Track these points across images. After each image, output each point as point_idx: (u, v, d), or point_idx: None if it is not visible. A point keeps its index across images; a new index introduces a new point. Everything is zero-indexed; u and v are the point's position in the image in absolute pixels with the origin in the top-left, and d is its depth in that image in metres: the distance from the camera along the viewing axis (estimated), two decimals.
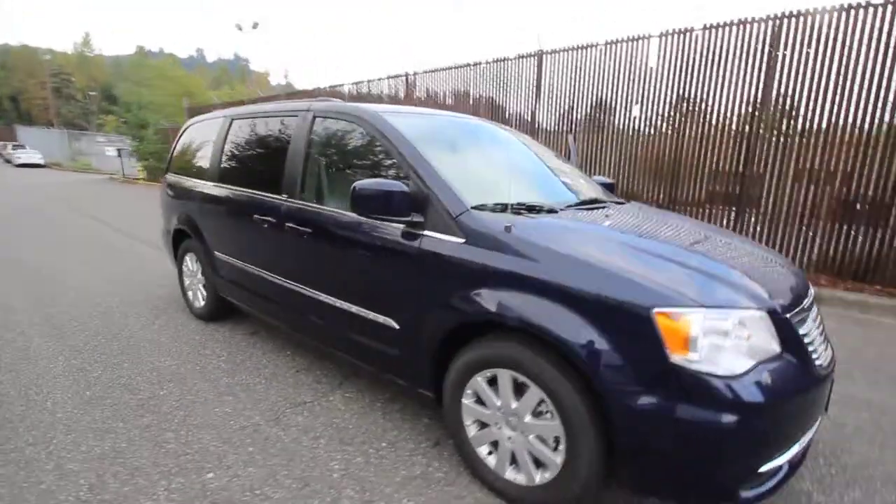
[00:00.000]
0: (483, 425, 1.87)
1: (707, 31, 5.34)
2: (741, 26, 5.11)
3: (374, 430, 2.27)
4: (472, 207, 1.86)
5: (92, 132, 39.38)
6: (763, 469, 1.44)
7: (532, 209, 2.01)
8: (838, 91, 4.65)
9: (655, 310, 1.41)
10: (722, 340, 1.42)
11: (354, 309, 2.21)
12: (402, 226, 1.97)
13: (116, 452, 2.06)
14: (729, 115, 5.37)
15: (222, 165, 3.16)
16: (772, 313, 1.51)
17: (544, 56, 6.73)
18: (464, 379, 1.84)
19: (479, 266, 1.73)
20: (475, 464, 1.89)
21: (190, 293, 3.77)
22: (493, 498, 1.82)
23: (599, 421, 1.52)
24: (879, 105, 4.46)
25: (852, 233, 4.80)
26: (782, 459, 1.49)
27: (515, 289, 1.65)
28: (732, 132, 5.38)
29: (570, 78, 6.52)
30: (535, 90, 6.94)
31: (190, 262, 3.67)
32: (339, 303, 2.29)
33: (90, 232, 7.52)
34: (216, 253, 3.22)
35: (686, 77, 5.57)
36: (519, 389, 1.73)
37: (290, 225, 2.47)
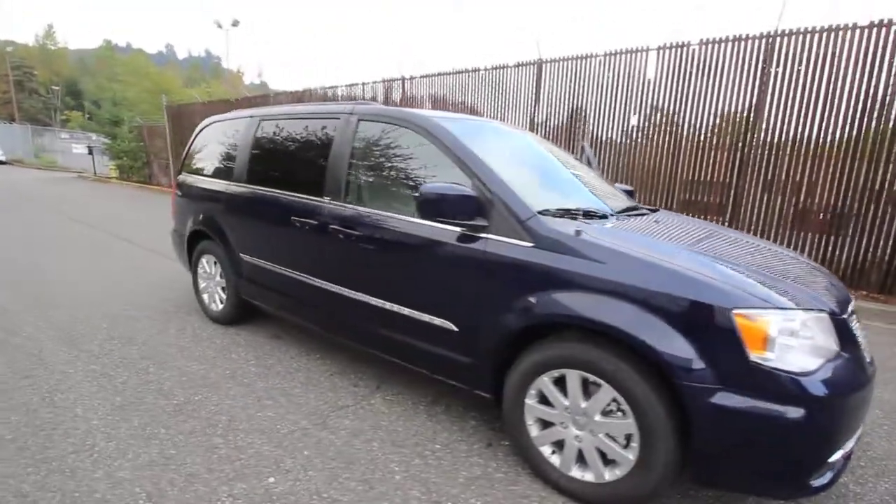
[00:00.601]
0: (546, 425, 1.92)
1: (703, 46, 5.58)
2: (736, 42, 5.37)
3: (424, 432, 2.29)
4: (538, 212, 1.91)
5: (55, 128, 37.66)
6: (831, 459, 1.54)
7: (588, 214, 2.08)
8: (827, 106, 4.95)
9: (735, 311, 1.49)
10: (792, 340, 1.51)
11: (407, 311, 2.23)
12: (463, 229, 2.01)
13: (166, 459, 2.01)
14: (723, 127, 5.62)
15: (251, 166, 3.11)
16: (831, 314, 1.61)
17: (544, 65, 6.88)
18: (528, 380, 1.89)
19: (551, 269, 1.78)
20: (538, 463, 1.93)
21: (206, 296, 3.68)
22: (559, 496, 1.87)
23: (676, 418, 1.59)
24: (866, 119, 4.76)
25: (838, 242, 5.10)
26: (844, 451, 1.59)
27: (589, 291, 1.70)
28: (726, 144, 5.63)
29: (570, 87, 6.68)
30: (534, 98, 7.07)
31: (207, 264, 3.59)
32: (388, 305, 2.29)
33: (72, 233, 7.20)
34: (242, 255, 3.16)
35: (682, 89, 5.80)
36: (586, 389, 1.78)
37: (335, 227, 2.46)
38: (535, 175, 2.53)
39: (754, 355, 1.47)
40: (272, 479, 1.91)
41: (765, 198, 5.49)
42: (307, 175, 2.73)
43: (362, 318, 2.45)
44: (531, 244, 1.85)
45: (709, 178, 5.87)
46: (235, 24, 23.48)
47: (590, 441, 1.79)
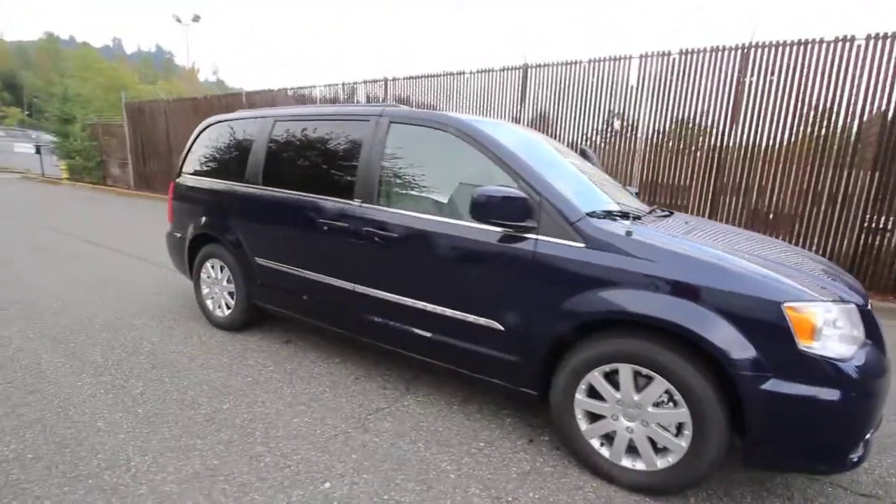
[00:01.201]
0: (595, 418, 2.00)
1: (683, 56, 5.89)
2: (714, 52, 5.69)
3: (465, 431, 2.32)
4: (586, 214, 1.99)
5: None
6: (867, 436, 1.69)
7: (625, 216, 2.17)
8: (797, 113, 5.34)
9: (786, 304, 1.61)
10: (832, 330, 1.65)
11: (449, 312, 2.25)
12: (512, 231, 2.06)
13: (211, 470, 1.95)
14: (704, 132, 5.95)
15: (267, 168, 3.04)
16: (858, 306, 1.77)
17: (529, 69, 7.04)
18: (579, 375, 1.96)
19: (604, 268, 1.86)
20: (588, 455, 2.00)
21: (209, 302, 3.55)
22: (609, 486, 1.95)
23: (727, 406, 1.70)
24: (830, 126, 5.17)
25: (806, 239, 5.51)
26: (873, 429, 1.75)
27: (643, 288, 1.79)
28: (705, 148, 5.96)
29: (556, 91, 6.87)
30: (519, 101, 7.22)
31: (212, 269, 3.47)
32: (428, 307, 2.31)
33: (39, 238, 6.73)
34: (257, 259, 3.08)
35: (663, 96, 6.09)
36: (636, 381, 1.87)
37: (369, 230, 2.46)
38: (567, 177, 2.61)
39: (802, 344, 1.60)
40: (328, 483, 1.89)
41: (737, 200, 5.86)
42: (334, 177, 2.70)
43: (397, 320, 2.45)
44: (582, 245, 1.92)
45: (687, 182, 6.19)
46: (196, 18, 22.47)
47: (641, 431, 1.88)
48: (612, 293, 1.84)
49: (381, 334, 2.59)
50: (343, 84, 9.43)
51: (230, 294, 3.39)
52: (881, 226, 5.14)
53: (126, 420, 2.29)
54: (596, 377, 1.93)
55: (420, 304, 2.34)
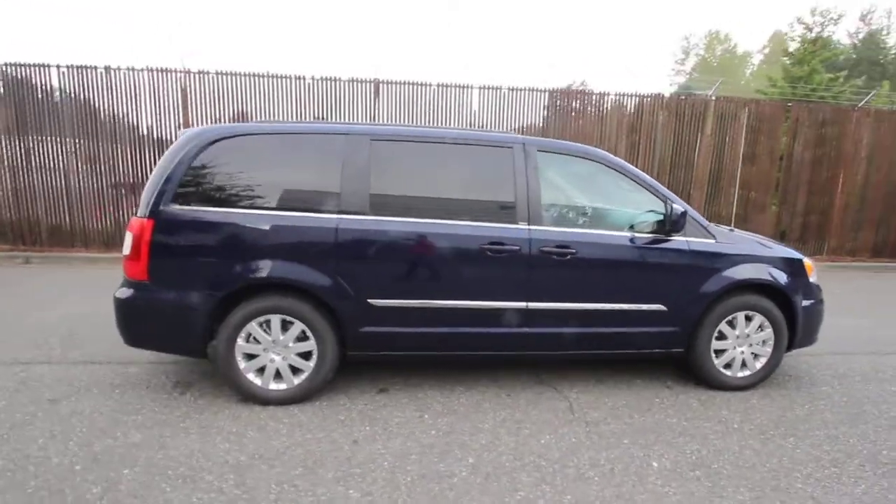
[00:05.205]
0: (719, 353, 3.02)
1: (510, 91, 7.53)
2: (531, 92, 7.54)
3: (637, 399, 2.91)
4: None
5: None
6: None
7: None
8: None
9: (803, 259, 3.07)
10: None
11: (625, 306, 2.83)
12: (669, 236, 2.82)
13: None
14: None
15: (375, 195, 2.63)
16: None
17: (381, 84, 7.30)
18: (713, 327, 2.95)
19: (728, 255, 2.91)
20: (718, 377, 3.00)
21: (253, 375, 2.66)
22: (736, 393, 3.01)
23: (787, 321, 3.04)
24: None
25: None
26: None
27: (744, 263, 2.94)
28: None
29: (408, 109, 7.41)
30: (370, 115, 7.38)
31: (263, 329, 2.61)
32: (608, 306, 2.81)
33: None
34: (371, 301, 2.63)
35: (498, 120, 7.61)
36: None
37: (546, 249, 2.69)
38: None
39: (810, 279, 3.09)
40: (655, 463, 2.23)
41: None
42: (484, 203, 2.73)
43: (576, 325, 2.82)
44: (713, 240, 2.91)
45: None
46: None
47: (749, 351, 3.03)
48: (735, 269, 2.91)
49: (550, 343, 2.86)
50: (116, 69, 6.97)
51: (302, 355, 2.68)
52: None
53: None
54: (723, 325, 2.97)
55: (598, 306, 2.80)
